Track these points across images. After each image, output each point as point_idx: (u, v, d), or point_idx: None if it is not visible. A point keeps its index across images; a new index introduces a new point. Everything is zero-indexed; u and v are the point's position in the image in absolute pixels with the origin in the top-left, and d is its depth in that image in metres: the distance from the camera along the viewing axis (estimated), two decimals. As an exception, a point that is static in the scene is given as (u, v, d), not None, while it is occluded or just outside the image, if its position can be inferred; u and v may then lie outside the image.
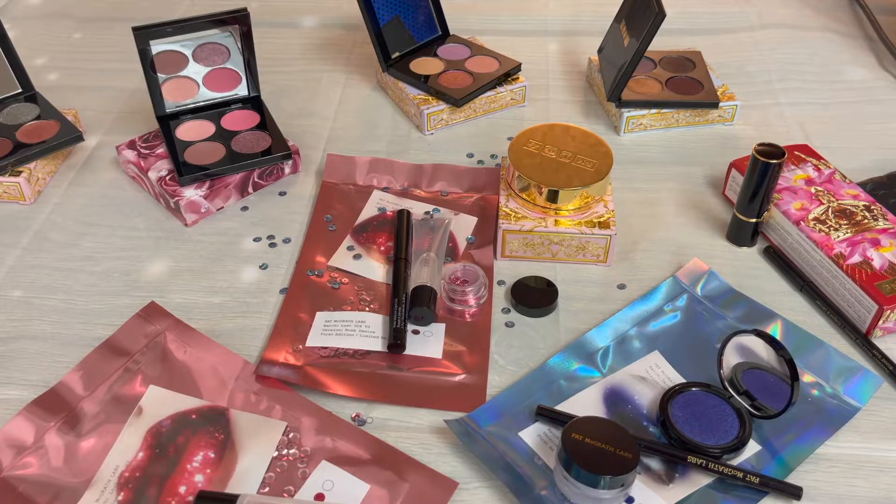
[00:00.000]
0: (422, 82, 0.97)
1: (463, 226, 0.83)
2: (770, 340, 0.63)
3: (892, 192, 0.83)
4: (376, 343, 0.71)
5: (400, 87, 0.98)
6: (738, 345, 0.66)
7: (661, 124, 0.96)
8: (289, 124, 0.96)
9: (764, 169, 0.75)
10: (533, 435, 0.64)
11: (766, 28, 1.16)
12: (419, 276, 0.75)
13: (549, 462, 0.62)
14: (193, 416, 0.65)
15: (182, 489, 0.61)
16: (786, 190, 0.81)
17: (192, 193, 0.83)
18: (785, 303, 0.76)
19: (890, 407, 0.67)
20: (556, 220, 0.78)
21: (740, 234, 0.81)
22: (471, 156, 0.93)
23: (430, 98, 0.96)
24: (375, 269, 0.78)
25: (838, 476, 0.62)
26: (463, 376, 0.69)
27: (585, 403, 0.67)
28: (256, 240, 0.82)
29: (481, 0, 1.22)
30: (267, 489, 0.61)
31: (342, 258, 0.79)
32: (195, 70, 0.91)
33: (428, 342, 0.71)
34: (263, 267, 0.79)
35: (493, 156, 0.93)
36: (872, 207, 0.79)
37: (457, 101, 0.94)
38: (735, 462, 0.62)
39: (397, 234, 0.80)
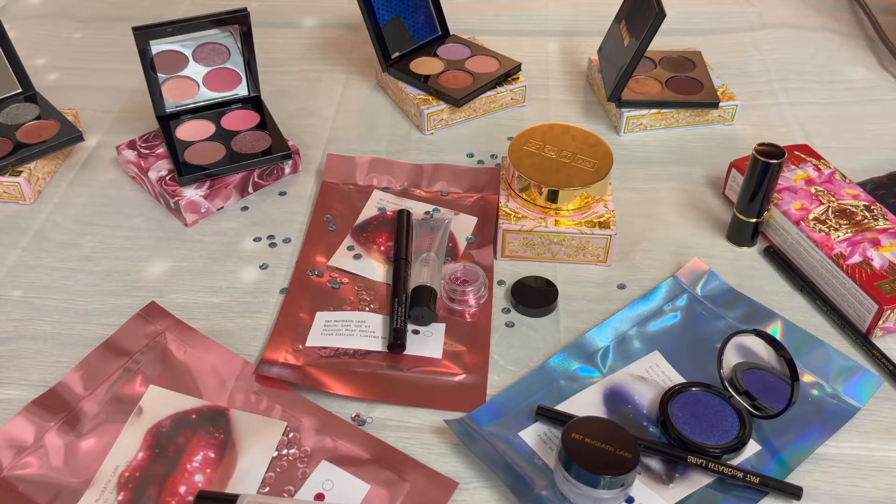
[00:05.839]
0: (422, 82, 0.97)
1: (463, 226, 0.83)
2: (770, 340, 0.63)
3: (892, 192, 0.83)
4: (376, 343, 0.71)
5: (400, 87, 0.98)
6: (738, 345, 0.66)
7: (661, 124, 0.96)
8: (289, 124, 0.96)
9: (764, 169, 0.75)
10: (533, 435, 0.64)
11: (766, 28, 1.16)
12: (419, 276, 0.75)
13: (549, 462, 0.62)
14: (193, 416, 0.65)
15: (182, 489, 0.61)
16: (786, 190, 0.81)
17: (192, 193, 0.83)
18: (785, 303, 0.76)
19: (890, 407, 0.67)
20: (556, 220, 0.78)
21: (740, 234, 0.81)
22: (471, 156, 0.93)
23: (430, 98, 0.96)
24: (375, 269, 0.78)
25: (838, 476, 0.62)
26: (463, 376, 0.69)
27: (585, 403, 0.67)
28: (256, 240, 0.82)
29: (481, 0, 1.22)
30: (267, 489, 0.61)
31: (342, 258, 0.79)
32: (195, 70, 0.91)
33: (428, 342, 0.71)
34: (263, 267, 0.79)
35: (493, 156, 0.93)
36: (872, 207, 0.79)
37: (457, 101, 0.94)
38: (735, 462, 0.62)
39: (397, 234, 0.80)
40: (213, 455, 0.63)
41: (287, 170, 0.89)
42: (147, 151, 0.88)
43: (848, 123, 0.98)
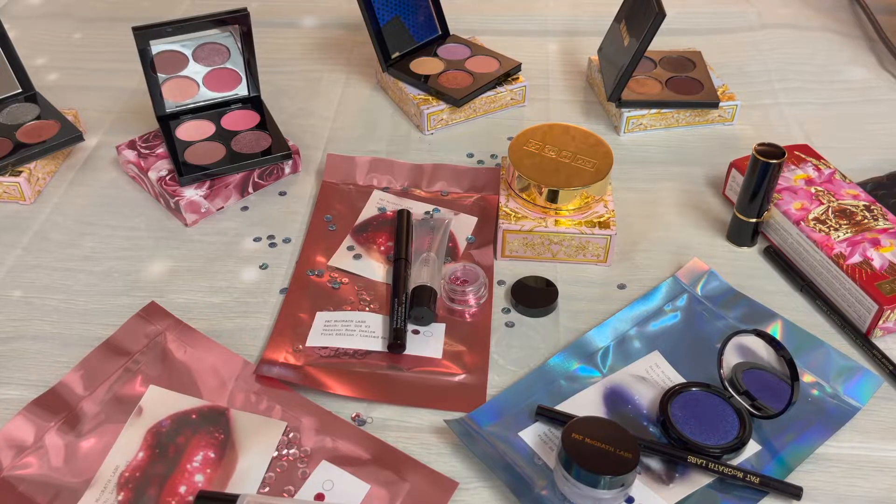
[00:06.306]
0: (422, 82, 0.97)
1: (463, 226, 0.83)
2: (770, 340, 0.63)
3: (892, 192, 0.83)
4: (376, 343, 0.71)
5: (400, 87, 0.98)
6: (738, 345, 0.66)
7: (661, 124, 0.96)
8: (289, 124, 0.96)
9: (764, 169, 0.75)
10: (533, 435, 0.64)
11: (766, 28, 1.16)
12: (419, 276, 0.75)
13: (549, 462, 0.62)
14: (193, 416, 0.65)
15: (182, 489, 0.61)
16: (786, 190, 0.81)
17: (192, 193, 0.83)
18: (785, 303, 0.76)
19: (890, 407, 0.67)
20: (556, 220, 0.78)
21: (740, 234, 0.81)
22: (471, 156, 0.93)
23: (430, 98, 0.96)
24: (375, 269, 0.78)
25: (838, 476, 0.62)
26: (463, 376, 0.69)
27: (585, 403, 0.67)
28: (256, 240, 0.82)
29: (481, 0, 1.22)
30: (267, 489, 0.61)
31: (342, 258, 0.79)
32: (195, 70, 0.91)
33: (428, 342, 0.71)
34: (263, 267, 0.79)
35: (493, 156, 0.93)
36: (872, 207, 0.79)
37: (457, 101, 0.94)
38: (735, 462, 0.62)
39: (397, 234, 0.80)
40: (213, 455, 0.63)
41: (287, 170, 0.89)
42: (147, 151, 0.88)
43: (848, 123, 0.98)
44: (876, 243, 0.75)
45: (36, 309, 0.75)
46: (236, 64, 0.92)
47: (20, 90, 0.93)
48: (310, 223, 0.84)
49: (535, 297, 0.75)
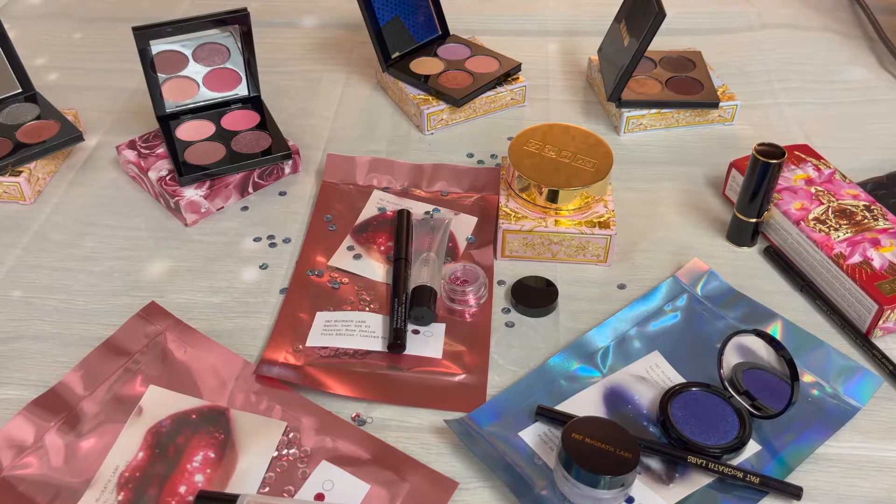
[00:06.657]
0: (422, 82, 0.97)
1: (463, 226, 0.83)
2: (770, 340, 0.63)
3: (892, 192, 0.83)
4: (376, 343, 0.71)
5: (400, 87, 0.98)
6: (738, 345, 0.66)
7: (661, 124, 0.96)
8: (289, 124, 0.96)
9: (764, 169, 0.75)
10: (533, 435, 0.64)
11: (766, 28, 1.16)
12: (419, 276, 0.75)
13: (549, 462, 0.62)
14: (193, 416, 0.65)
15: (182, 489, 0.61)
16: (786, 190, 0.81)
17: (192, 193, 0.83)
18: (785, 303, 0.76)
19: (890, 407, 0.67)
20: (556, 220, 0.78)
21: (740, 234, 0.81)
22: (471, 156, 0.93)
23: (430, 98, 0.96)
24: (375, 269, 0.78)
25: (838, 476, 0.62)
26: (463, 376, 0.69)
27: (585, 403, 0.67)
28: (256, 240, 0.82)
29: (481, 0, 1.22)
30: (267, 489, 0.61)
31: (342, 258, 0.79)
32: (195, 70, 0.91)
33: (428, 342, 0.71)
34: (263, 267, 0.79)
35: (493, 156, 0.93)
36: (872, 207, 0.79)
37: (457, 101, 0.94)
38: (735, 462, 0.62)
39: (397, 234, 0.80)
40: (213, 455, 0.63)
41: (287, 170, 0.89)
42: (147, 151, 0.88)
43: (848, 123, 0.98)
44: (876, 243, 0.75)
45: (36, 309, 0.75)
46: (236, 64, 0.92)
47: (20, 90, 0.93)
48: (310, 223, 0.84)
49: (535, 297, 0.75)
